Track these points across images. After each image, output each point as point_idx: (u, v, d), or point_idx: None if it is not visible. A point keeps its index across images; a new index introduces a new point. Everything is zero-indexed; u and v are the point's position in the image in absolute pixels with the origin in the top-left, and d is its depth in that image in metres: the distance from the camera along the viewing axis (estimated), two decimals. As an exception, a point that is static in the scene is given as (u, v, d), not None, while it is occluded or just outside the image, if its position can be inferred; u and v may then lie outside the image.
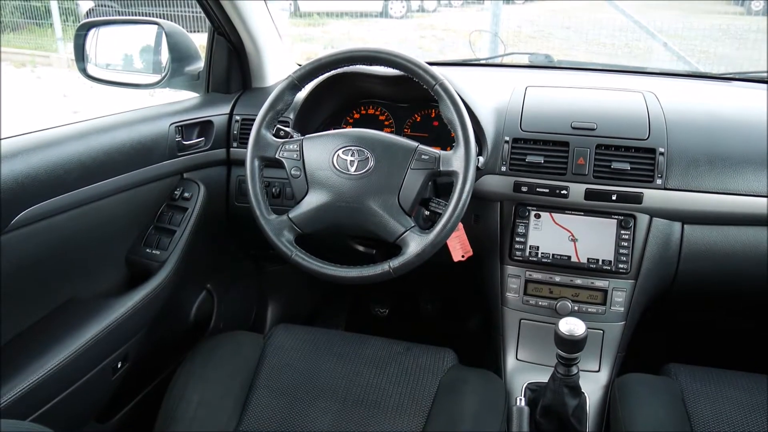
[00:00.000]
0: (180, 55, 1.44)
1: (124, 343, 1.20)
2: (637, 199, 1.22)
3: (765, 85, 1.57)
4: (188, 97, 1.49)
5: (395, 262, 1.08)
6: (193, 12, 5.19)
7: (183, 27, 1.44)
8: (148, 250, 1.30)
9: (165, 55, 1.42)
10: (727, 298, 1.38)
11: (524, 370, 1.29)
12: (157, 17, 1.43)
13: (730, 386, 1.11)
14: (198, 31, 1.69)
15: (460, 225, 1.25)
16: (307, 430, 1.05)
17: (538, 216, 1.29)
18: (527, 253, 1.29)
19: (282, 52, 1.59)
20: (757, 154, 1.23)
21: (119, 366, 1.20)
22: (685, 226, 1.25)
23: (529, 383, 1.26)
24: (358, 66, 1.24)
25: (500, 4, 4.61)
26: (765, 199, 1.20)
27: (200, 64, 1.50)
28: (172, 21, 1.42)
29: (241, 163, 1.24)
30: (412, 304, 2.04)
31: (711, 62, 4.87)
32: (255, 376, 1.14)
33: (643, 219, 1.24)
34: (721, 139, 1.26)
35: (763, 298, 1.29)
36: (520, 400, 1.14)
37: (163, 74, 1.43)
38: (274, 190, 1.42)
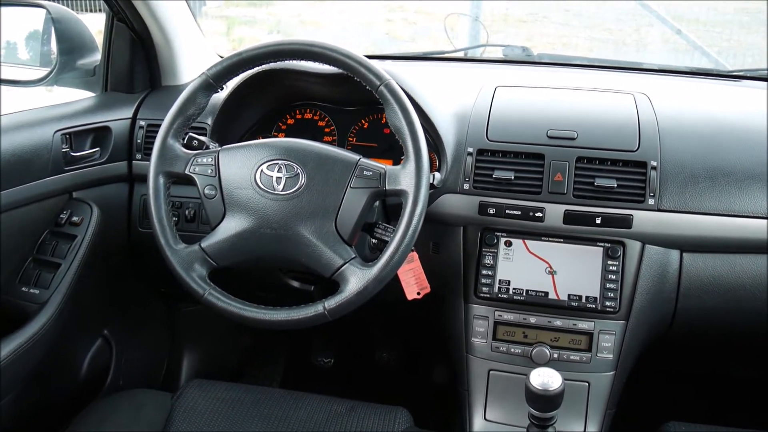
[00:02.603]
0: (71, 45, 1.44)
1: None
2: (626, 222, 1.25)
3: None
4: (80, 97, 1.48)
5: (331, 302, 1.09)
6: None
7: (78, 7, 1.44)
8: (24, 289, 1.29)
9: (55, 46, 1.43)
10: (736, 340, 1.42)
11: None
12: (44, -2, 1.43)
13: None
14: (100, 11, 1.67)
15: (415, 256, 1.27)
16: None
17: (508, 244, 1.31)
18: (496, 289, 1.30)
19: (200, 42, 1.60)
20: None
21: None
22: (684, 254, 1.29)
23: None
24: (290, 62, 1.26)
25: (481, -20, 4.65)
26: None
27: (96, 57, 1.50)
28: (63, 3, 1.43)
29: (146, 179, 1.25)
30: (363, 352, 2.04)
31: (736, 53, 4.99)
32: None
33: (633, 246, 1.27)
34: (724, 149, 1.30)
35: None
36: None
37: (51, 69, 1.43)
38: (187, 212, 1.43)
